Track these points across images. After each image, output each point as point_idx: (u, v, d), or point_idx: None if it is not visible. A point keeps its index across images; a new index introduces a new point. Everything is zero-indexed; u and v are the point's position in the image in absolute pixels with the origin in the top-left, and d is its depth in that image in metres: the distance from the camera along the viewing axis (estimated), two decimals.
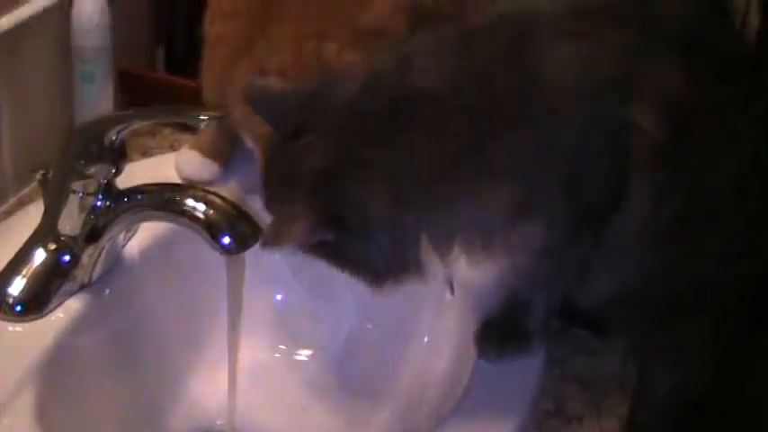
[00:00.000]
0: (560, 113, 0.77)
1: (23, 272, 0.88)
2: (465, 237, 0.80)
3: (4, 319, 0.86)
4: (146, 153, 1.11)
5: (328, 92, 0.80)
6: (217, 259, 0.86)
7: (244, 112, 0.93)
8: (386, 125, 0.77)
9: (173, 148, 1.11)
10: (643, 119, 0.78)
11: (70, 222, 0.88)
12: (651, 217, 0.81)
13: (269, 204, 0.82)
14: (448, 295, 0.97)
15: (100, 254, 0.91)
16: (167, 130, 1.14)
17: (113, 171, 0.88)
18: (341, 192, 0.76)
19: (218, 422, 0.97)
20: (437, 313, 0.98)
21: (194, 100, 1.04)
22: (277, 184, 0.81)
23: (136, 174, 0.92)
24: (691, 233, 0.85)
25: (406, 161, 0.76)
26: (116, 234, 0.91)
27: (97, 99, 1.06)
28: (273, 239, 0.77)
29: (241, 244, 0.85)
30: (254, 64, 0.96)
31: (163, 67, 1.20)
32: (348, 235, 0.77)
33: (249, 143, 0.99)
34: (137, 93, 1.14)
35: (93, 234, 0.89)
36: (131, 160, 0.94)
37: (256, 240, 0.84)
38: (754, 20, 0.97)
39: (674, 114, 0.79)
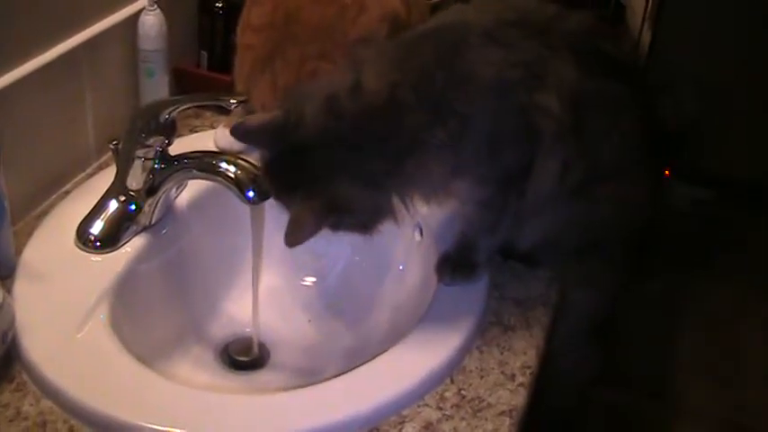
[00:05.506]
0: (483, 101, 0.85)
1: (101, 217, 0.97)
2: (419, 193, 0.92)
3: (87, 252, 0.95)
4: (192, 130, 1.22)
5: (296, 115, 0.85)
6: (243, 209, 0.94)
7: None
8: (349, 130, 0.84)
9: (212, 127, 1.21)
10: (549, 105, 0.86)
11: (135, 180, 0.97)
12: (559, 182, 0.90)
13: (277, 199, 0.89)
14: (417, 236, 1.08)
15: (157, 204, 0.99)
16: (208, 113, 1.25)
17: (167, 142, 0.96)
18: (328, 192, 0.84)
19: (247, 329, 1.04)
20: (409, 250, 1.07)
21: (228, 91, 1.14)
22: (280, 188, 0.88)
23: (184, 145, 1.00)
24: (589, 195, 0.94)
25: (369, 157, 0.84)
26: (169, 189, 1.00)
27: (156, 89, 1.17)
28: (294, 241, 0.85)
29: (261, 196, 0.92)
30: (272, 78, 1.02)
31: (205, 65, 1.30)
32: (339, 213, 0.86)
33: None
34: (185, 85, 1.25)
35: (152, 189, 0.98)
36: (181, 135, 0.99)
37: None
38: (647, 36, 1.02)
39: (572, 101, 0.87)
